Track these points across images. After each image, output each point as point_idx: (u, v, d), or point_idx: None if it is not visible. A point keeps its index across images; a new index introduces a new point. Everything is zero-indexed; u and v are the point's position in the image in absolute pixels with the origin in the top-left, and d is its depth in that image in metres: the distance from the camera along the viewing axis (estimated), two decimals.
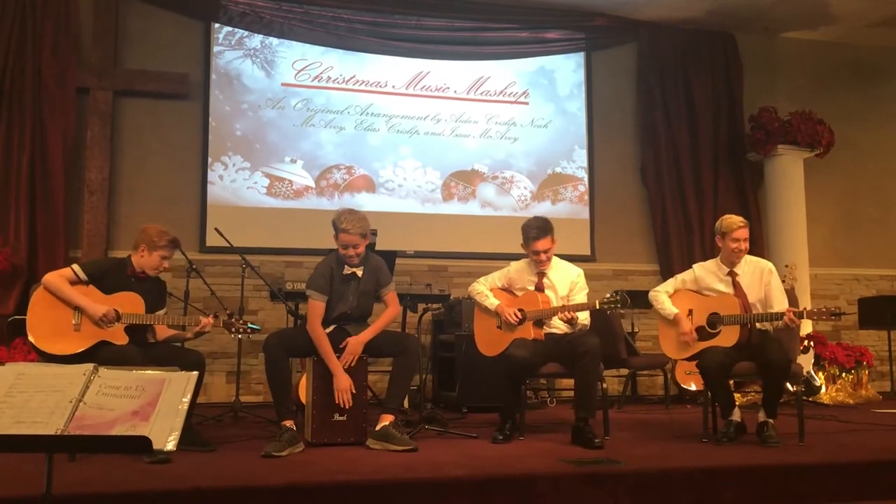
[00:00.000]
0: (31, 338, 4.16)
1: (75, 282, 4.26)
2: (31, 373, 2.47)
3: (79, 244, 6.87)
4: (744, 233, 4.65)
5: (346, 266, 4.54)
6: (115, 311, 4.21)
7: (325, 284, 4.50)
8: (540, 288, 4.81)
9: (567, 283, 4.86)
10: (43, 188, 6.73)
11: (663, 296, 4.80)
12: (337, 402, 4.34)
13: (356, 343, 4.44)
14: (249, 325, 4.56)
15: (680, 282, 4.84)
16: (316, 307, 4.47)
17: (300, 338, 4.50)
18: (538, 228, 4.78)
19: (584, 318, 4.74)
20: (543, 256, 4.80)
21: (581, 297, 4.81)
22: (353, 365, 4.43)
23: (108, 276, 4.36)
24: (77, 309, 4.20)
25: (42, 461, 2.37)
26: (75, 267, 4.33)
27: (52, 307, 4.19)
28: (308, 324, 4.47)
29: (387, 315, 4.62)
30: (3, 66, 6.76)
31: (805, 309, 4.44)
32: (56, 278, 4.24)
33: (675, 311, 4.68)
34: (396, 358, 4.53)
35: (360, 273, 4.56)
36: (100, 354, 3.99)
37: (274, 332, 4.72)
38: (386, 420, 4.32)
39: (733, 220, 4.71)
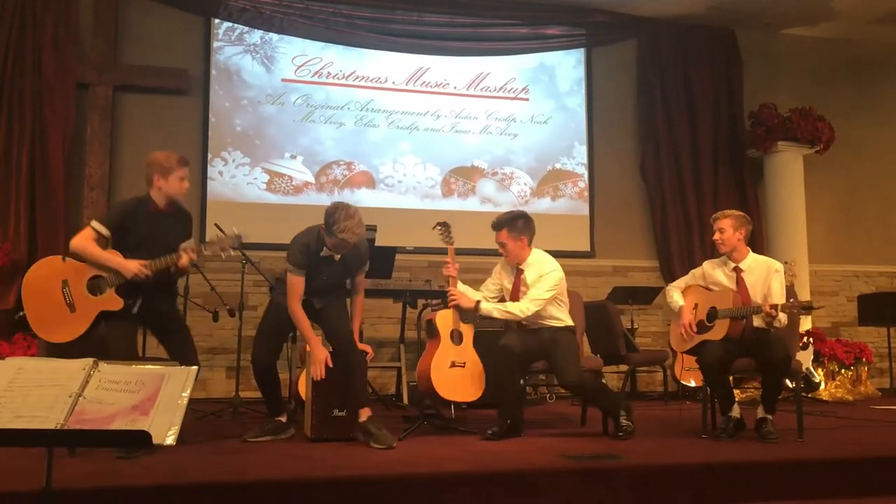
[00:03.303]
0: (38, 333, 4.08)
1: (98, 239, 4.11)
2: (31, 367, 2.48)
3: None
4: (722, 223, 4.70)
5: (325, 248, 4.44)
6: (142, 262, 4.08)
7: (304, 260, 4.38)
8: (516, 286, 4.73)
9: (537, 277, 4.69)
10: (43, 183, 6.72)
11: (674, 290, 4.85)
12: (311, 374, 4.37)
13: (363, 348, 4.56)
14: (234, 234, 4.32)
15: (691, 277, 4.90)
16: (295, 283, 4.37)
17: (277, 321, 4.49)
18: (495, 221, 4.75)
19: (519, 309, 4.59)
20: (502, 251, 4.74)
21: (537, 288, 4.62)
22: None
23: (131, 220, 4.18)
24: (110, 271, 4.08)
25: (42, 455, 2.37)
26: (94, 224, 4.14)
27: (41, 295, 4.07)
28: (288, 303, 4.39)
29: (359, 305, 4.67)
30: (4, 61, 6.76)
31: (780, 304, 4.45)
32: (81, 242, 4.10)
33: (681, 303, 4.73)
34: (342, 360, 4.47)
35: (337, 257, 4.46)
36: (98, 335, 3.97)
37: (255, 344, 4.57)
38: (363, 415, 4.30)
39: (717, 213, 4.85)
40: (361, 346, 4.59)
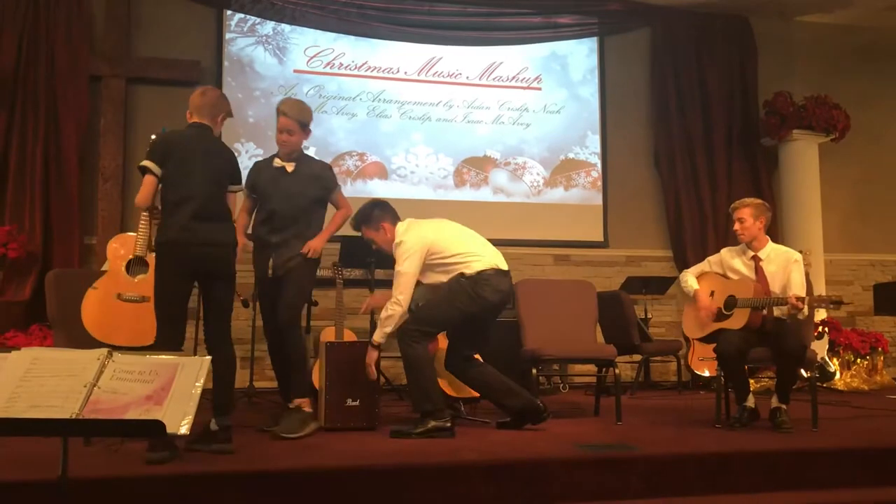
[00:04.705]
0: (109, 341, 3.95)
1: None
2: (47, 357, 2.49)
3: (93, 231, 6.91)
4: (741, 213, 4.67)
5: (276, 159, 4.42)
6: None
7: (251, 180, 4.35)
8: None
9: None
10: (57, 176, 6.77)
11: (689, 275, 4.84)
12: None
13: (314, 245, 4.36)
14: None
15: (707, 264, 4.88)
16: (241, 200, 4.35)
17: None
18: (352, 222, 4.54)
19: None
20: (376, 248, 4.57)
21: (396, 266, 4.39)
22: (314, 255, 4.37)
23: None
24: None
25: (57, 445, 2.39)
26: (150, 164, 3.71)
27: (118, 323, 3.99)
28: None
29: (338, 216, 4.55)
30: (17, 53, 6.79)
31: (808, 296, 4.43)
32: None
33: (695, 287, 4.71)
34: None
35: (289, 168, 4.43)
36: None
37: None
38: (295, 403, 4.28)
39: (736, 202, 4.80)
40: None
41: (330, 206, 4.61)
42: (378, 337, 4.32)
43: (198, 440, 3.52)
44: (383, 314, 4.30)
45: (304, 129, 4.45)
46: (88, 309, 4.11)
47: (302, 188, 4.41)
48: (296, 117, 4.39)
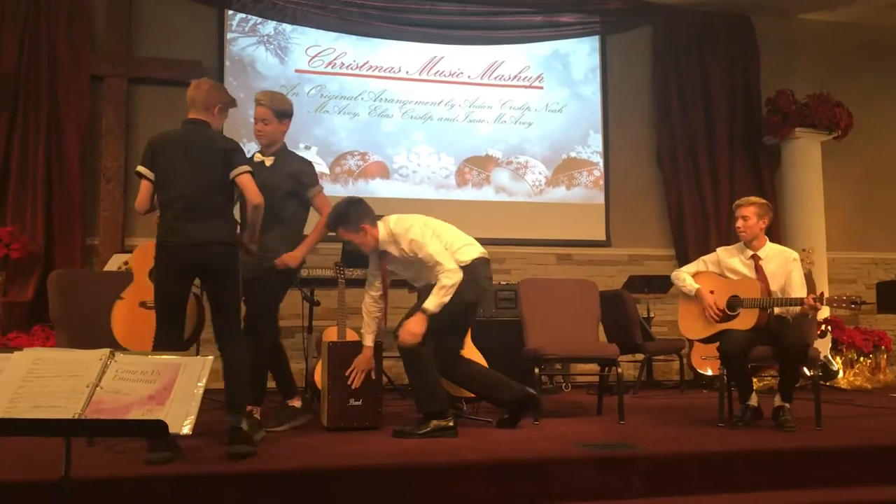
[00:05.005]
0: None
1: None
2: (49, 358, 2.49)
3: (95, 232, 6.91)
4: (746, 210, 4.65)
5: (257, 154, 4.40)
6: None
7: None
8: (383, 271, 4.51)
9: (409, 243, 4.33)
10: (59, 176, 6.77)
11: (684, 274, 4.77)
12: None
13: (289, 260, 4.25)
14: None
15: (703, 263, 4.83)
16: None
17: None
18: (328, 222, 4.36)
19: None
20: (356, 248, 4.46)
21: (423, 252, 4.29)
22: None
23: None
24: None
25: (60, 445, 2.39)
26: (141, 169, 3.71)
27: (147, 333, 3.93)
28: None
29: (319, 224, 4.39)
30: (19, 54, 6.80)
31: (824, 295, 4.41)
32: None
33: (697, 286, 4.67)
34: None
35: (268, 163, 4.37)
36: None
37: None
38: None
39: (741, 199, 4.78)
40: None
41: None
42: (433, 306, 4.14)
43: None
44: (446, 281, 4.14)
45: (281, 118, 4.38)
46: (118, 320, 4.14)
47: (278, 182, 4.31)
48: (269, 105, 4.35)
